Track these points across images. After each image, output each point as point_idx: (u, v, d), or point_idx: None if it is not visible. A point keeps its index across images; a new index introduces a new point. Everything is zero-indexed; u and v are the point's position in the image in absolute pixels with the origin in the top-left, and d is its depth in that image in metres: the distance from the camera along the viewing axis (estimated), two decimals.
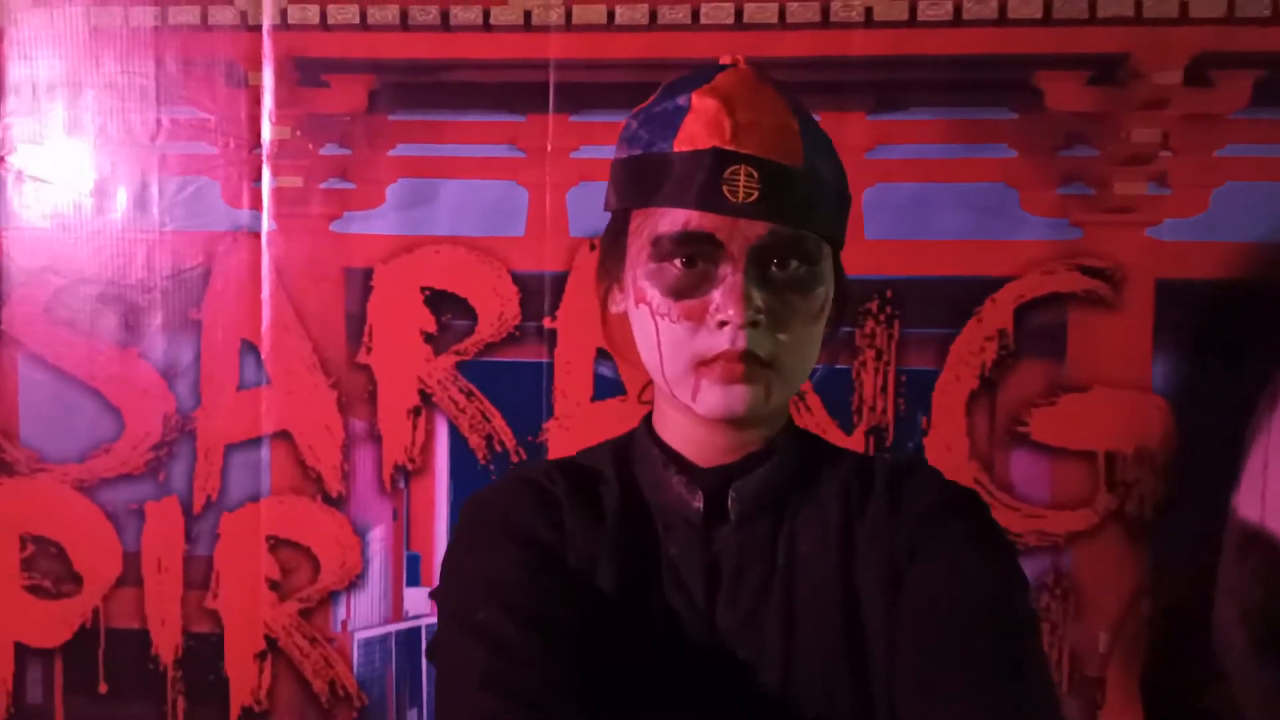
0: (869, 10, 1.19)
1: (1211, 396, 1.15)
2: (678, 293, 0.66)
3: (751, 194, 0.63)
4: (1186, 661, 1.14)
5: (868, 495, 0.72)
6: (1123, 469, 1.18)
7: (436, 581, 0.75)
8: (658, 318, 0.67)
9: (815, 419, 1.22)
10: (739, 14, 1.21)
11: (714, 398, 0.66)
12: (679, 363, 0.67)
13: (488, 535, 0.70)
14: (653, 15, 1.22)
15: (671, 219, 0.65)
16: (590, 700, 0.63)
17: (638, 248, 0.68)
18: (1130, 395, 1.17)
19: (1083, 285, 1.18)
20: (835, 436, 1.21)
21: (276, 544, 1.30)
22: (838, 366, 1.22)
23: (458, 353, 1.27)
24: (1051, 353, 1.19)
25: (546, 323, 1.26)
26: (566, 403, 1.26)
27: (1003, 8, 1.18)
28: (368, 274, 1.27)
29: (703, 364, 0.66)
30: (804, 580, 0.69)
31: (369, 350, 1.28)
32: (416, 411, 1.27)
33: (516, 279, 1.26)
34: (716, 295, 0.65)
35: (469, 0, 1.24)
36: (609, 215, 0.75)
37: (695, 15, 1.22)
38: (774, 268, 0.66)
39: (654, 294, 0.67)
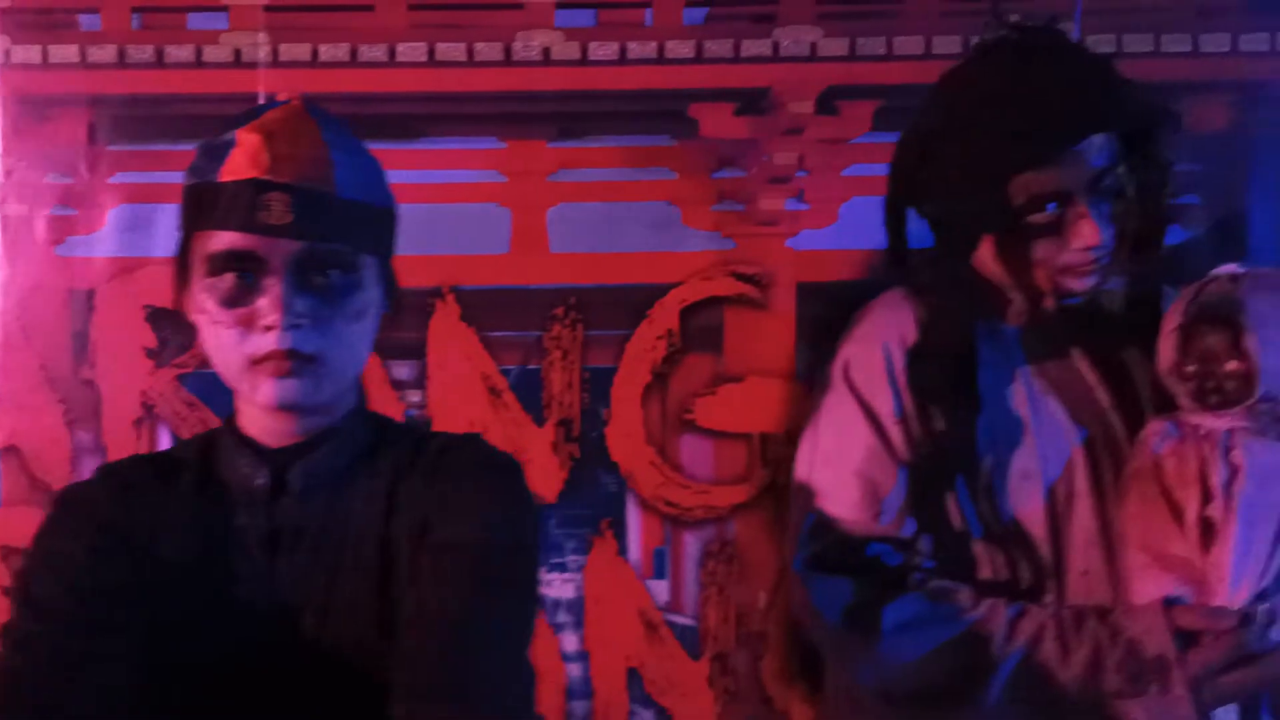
0: (547, 50, 1.35)
1: None
2: (230, 302, 0.77)
3: (286, 217, 0.75)
4: None
5: (417, 461, 0.84)
6: (774, 448, 1.35)
7: None
8: (215, 325, 0.78)
9: (512, 414, 1.35)
10: (431, 52, 1.34)
11: (268, 391, 0.77)
12: (236, 363, 0.78)
13: (60, 519, 0.81)
14: (353, 53, 1.34)
15: (219, 239, 0.77)
16: (145, 656, 0.75)
17: (197, 265, 0.79)
18: (779, 383, 1.35)
19: (736, 289, 1.35)
20: (529, 430, 1.35)
21: (8, 553, 1.36)
22: (529, 367, 1.36)
23: (179, 366, 1.36)
24: (712, 348, 1.36)
25: None
26: None
27: (661, 48, 1.34)
28: (90, 294, 1.35)
29: (255, 362, 0.77)
30: (350, 538, 0.81)
31: (93, 366, 1.36)
32: (140, 423, 1.36)
33: None
34: (262, 303, 0.76)
35: (182, 39, 1.34)
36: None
37: (392, 53, 1.34)
38: (317, 276, 0.78)
39: (211, 304, 0.78)
